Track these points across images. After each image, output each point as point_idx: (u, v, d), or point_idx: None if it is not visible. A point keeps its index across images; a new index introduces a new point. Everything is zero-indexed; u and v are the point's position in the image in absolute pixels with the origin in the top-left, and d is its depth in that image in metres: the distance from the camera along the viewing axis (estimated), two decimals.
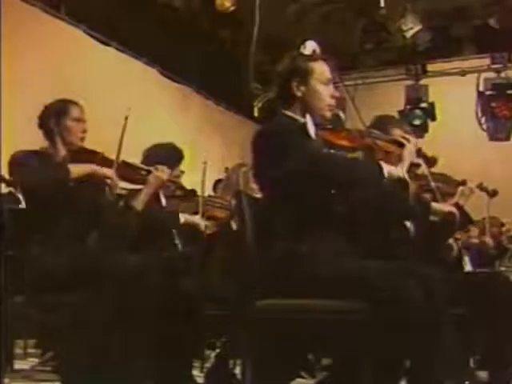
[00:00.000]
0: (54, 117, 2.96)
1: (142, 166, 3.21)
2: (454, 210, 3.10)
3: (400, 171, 2.45)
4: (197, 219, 3.61)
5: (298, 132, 2.43)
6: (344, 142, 2.57)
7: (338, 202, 2.43)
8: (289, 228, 2.34)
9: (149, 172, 3.17)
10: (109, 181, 2.93)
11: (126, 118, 3.04)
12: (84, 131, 3.00)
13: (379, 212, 2.68)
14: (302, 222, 2.34)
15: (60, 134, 2.95)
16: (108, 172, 2.92)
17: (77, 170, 2.84)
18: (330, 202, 2.41)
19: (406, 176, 2.45)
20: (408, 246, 2.94)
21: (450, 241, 3.41)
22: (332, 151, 2.51)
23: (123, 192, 3.32)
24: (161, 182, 3.20)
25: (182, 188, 3.61)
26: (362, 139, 2.58)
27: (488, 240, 4.63)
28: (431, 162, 3.13)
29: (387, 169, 2.38)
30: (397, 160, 2.81)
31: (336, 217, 2.41)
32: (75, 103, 3.02)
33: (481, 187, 3.96)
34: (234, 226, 3.71)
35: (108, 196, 2.94)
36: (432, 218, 3.03)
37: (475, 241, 4.38)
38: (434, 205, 3.08)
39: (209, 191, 4.52)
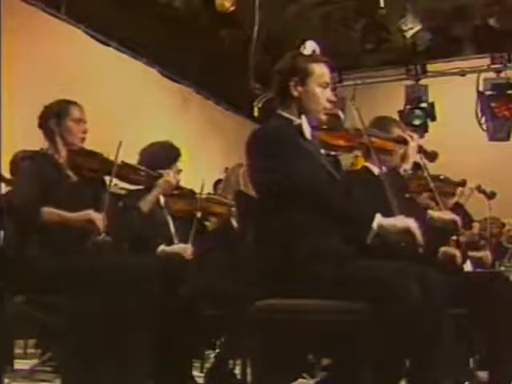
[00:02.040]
0: (55, 117, 2.96)
1: (149, 170, 3.26)
2: (455, 218, 3.03)
3: (402, 221, 2.25)
4: (177, 248, 3.43)
5: (292, 134, 2.42)
6: (341, 142, 2.56)
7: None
8: (286, 229, 2.34)
9: (149, 175, 3.21)
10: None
11: (120, 145, 3.00)
12: (84, 132, 3.00)
13: None
14: (298, 222, 2.34)
15: (60, 134, 2.95)
16: (83, 217, 2.77)
17: (48, 214, 2.72)
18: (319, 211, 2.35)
19: (411, 225, 2.22)
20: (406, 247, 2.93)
21: (452, 250, 3.37)
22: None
23: (122, 192, 3.34)
24: (169, 186, 3.31)
25: (179, 187, 3.62)
26: (360, 138, 2.57)
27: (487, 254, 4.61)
28: (431, 156, 3.13)
29: (383, 221, 2.19)
30: (397, 158, 2.80)
31: (330, 220, 2.38)
32: (76, 104, 3.02)
33: (479, 189, 3.96)
34: (234, 223, 3.71)
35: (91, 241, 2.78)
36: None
37: (473, 254, 4.37)
38: (434, 213, 3.02)
39: (208, 191, 4.51)
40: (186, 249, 3.40)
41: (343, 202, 2.28)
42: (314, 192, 2.26)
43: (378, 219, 2.20)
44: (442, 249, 3.27)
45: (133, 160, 3.36)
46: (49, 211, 2.73)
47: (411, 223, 2.23)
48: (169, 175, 3.29)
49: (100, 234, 2.76)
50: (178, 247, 3.43)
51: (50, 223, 2.72)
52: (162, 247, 3.39)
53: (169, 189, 3.35)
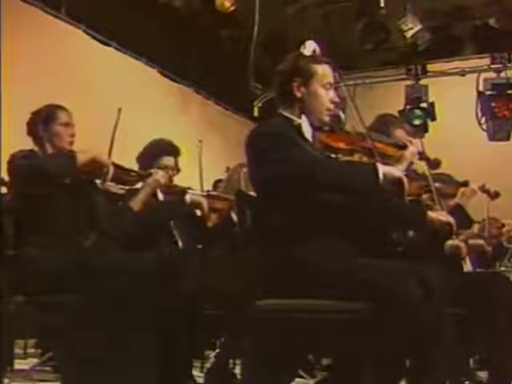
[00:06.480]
0: (42, 123, 2.97)
1: (139, 171, 3.31)
2: (450, 220, 3.03)
3: (397, 170, 2.34)
4: (202, 199, 3.56)
5: (292, 133, 2.42)
6: (342, 145, 2.55)
7: (330, 205, 2.38)
8: (286, 227, 2.34)
9: (140, 175, 3.23)
10: (105, 169, 2.86)
11: (119, 111, 3.04)
12: (73, 135, 3.02)
13: (373, 216, 2.63)
14: (296, 221, 2.33)
15: (49, 139, 2.97)
16: (106, 160, 2.88)
17: (82, 157, 2.78)
18: (321, 203, 2.36)
19: (403, 176, 2.31)
20: (406, 247, 2.93)
21: (458, 242, 3.36)
22: (322, 155, 2.47)
23: (121, 192, 3.34)
24: (158, 184, 3.32)
25: (175, 187, 3.63)
26: (361, 142, 2.56)
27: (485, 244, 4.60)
28: (435, 164, 3.12)
29: (383, 169, 2.26)
30: (393, 160, 2.80)
31: (330, 217, 2.39)
32: (63, 108, 3.04)
33: (483, 189, 3.93)
34: (234, 217, 3.71)
35: (100, 188, 2.89)
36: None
37: (473, 242, 4.35)
38: (431, 214, 3.02)
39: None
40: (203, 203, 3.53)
41: (345, 169, 2.35)
42: (314, 172, 2.25)
43: (381, 168, 2.26)
44: (449, 242, 3.25)
45: (132, 160, 3.36)
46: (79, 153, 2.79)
47: (403, 175, 2.31)
48: (157, 173, 3.30)
49: (106, 181, 2.85)
50: (202, 198, 3.56)
51: (83, 165, 2.77)
52: (189, 194, 3.50)
53: (158, 187, 3.36)
